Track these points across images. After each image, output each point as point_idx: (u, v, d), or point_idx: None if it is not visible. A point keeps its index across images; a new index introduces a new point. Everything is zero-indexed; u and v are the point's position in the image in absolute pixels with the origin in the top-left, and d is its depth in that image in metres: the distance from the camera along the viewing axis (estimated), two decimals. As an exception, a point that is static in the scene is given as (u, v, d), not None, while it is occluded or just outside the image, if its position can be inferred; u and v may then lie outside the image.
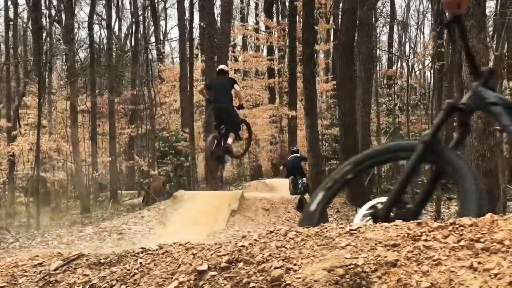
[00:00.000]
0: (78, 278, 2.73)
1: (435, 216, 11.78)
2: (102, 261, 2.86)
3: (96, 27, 35.04)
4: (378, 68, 34.67)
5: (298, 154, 18.22)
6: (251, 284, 2.09)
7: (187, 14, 28.96)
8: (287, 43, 28.33)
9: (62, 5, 25.26)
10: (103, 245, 12.38)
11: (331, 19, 28.69)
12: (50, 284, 2.77)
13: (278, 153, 28.73)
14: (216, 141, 11.46)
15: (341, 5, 18.78)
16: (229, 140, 11.59)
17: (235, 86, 11.52)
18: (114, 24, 35.13)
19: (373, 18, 22.59)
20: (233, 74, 32.62)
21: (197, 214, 12.63)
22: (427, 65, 30.61)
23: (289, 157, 18.72)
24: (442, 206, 15.32)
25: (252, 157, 30.24)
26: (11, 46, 24.23)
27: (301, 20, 19.96)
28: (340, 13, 18.85)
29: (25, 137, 21.90)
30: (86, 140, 26.58)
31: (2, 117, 23.60)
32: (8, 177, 20.57)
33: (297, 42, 27.09)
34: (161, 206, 16.13)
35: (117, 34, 36.59)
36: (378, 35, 35.59)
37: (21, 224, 17.66)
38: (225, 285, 2.15)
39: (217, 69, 12.73)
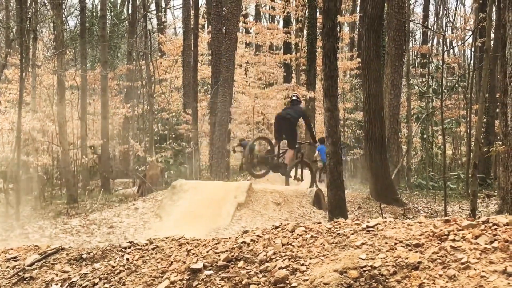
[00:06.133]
0: (57, 275, 2.72)
1: (470, 215, 11.70)
2: (84, 256, 2.85)
3: (88, -9, 35.08)
4: (410, 45, 34.48)
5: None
6: (252, 286, 2.08)
7: (192, -22, 28.85)
8: (307, 14, 28.20)
9: (49, -35, 25.29)
10: (91, 239, 12.45)
11: (358, -14, 28.56)
12: (25, 281, 2.77)
13: (294, 139, 28.64)
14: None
15: (369, -30, 18.63)
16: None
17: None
18: (109, -12, 35.09)
19: (406, -14, 22.42)
20: (244, 49, 32.60)
21: (198, 207, 12.66)
22: (466, 40, 30.35)
23: None
24: (480, 204, 15.27)
25: (263, 144, 30.22)
26: (-9, 11, 24.31)
27: (323, -13, 19.85)
28: (368, -21, 18.71)
29: (5, 115, 21.99)
30: (75, 120, 26.55)
31: (-20, 92, 23.72)
32: (-14, 160, 20.70)
33: (318, 13, 26.97)
34: (158, 197, 16.17)
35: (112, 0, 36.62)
36: (411, 6, 35.38)
37: (-2, 213, 17.78)
38: (222, 286, 2.14)
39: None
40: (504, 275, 1.80)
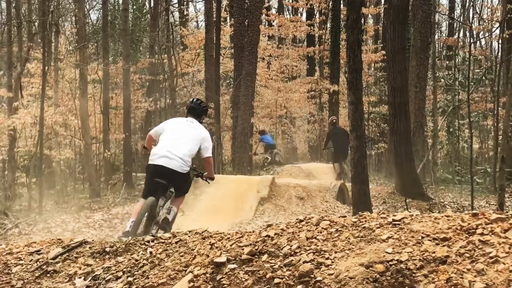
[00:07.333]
0: (80, 268, 2.74)
1: (497, 209, 11.59)
2: (107, 249, 2.87)
3: (110, -15, 35.14)
4: (436, 37, 34.19)
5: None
6: (276, 280, 2.08)
7: (215, -29, 28.85)
8: (330, 6, 28.09)
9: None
10: (113, 234, 12.53)
11: (382, -22, 28.39)
12: (48, 275, 2.79)
13: (317, 133, 28.61)
14: None
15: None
16: None
17: None
18: (131, -19, 35.15)
19: (432, -23, 22.25)
20: (267, 42, 32.54)
21: (221, 201, 12.70)
22: (493, 32, 30.02)
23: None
24: (507, 199, 15.11)
25: (286, 138, 30.21)
26: (13, 5, 24.47)
27: (347, -21, 19.76)
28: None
29: (28, 109, 22.14)
30: (97, 114, 26.75)
31: (2, 86, 23.91)
32: (8, 155, 20.85)
33: (341, 5, 26.86)
34: (181, 192, 16.23)
35: (134, -7, 36.71)
36: (437, -3, 35.05)
37: (21, 208, 17.93)
38: (246, 280, 2.14)
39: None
40: (534, 270, 1.77)
